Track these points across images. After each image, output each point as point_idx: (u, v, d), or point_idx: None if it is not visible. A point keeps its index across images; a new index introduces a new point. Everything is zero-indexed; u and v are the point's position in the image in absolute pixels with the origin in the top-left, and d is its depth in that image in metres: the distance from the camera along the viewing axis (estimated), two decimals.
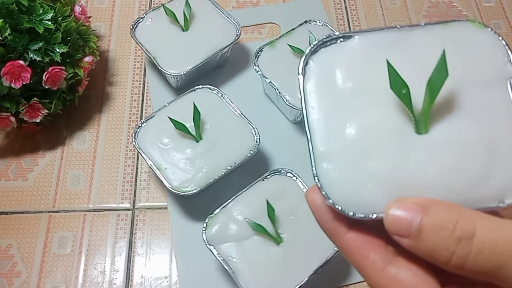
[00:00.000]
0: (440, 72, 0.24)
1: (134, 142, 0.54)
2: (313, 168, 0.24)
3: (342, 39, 0.27)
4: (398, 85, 0.24)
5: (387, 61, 0.24)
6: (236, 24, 0.62)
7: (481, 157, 0.24)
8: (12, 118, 0.56)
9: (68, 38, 0.57)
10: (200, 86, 0.58)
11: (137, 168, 0.60)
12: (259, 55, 0.61)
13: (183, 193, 0.51)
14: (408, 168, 0.24)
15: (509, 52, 0.26)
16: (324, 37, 0.27)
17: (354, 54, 0.26)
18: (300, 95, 0.26)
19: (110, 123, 0.63)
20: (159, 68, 0.59)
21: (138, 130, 0.55)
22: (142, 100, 0.65)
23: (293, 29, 0.63)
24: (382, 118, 0.25)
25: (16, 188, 0.59)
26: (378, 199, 0.24)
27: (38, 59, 0.53)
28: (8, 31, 0.51)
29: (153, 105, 0.64)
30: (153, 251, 0.55)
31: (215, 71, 0.66)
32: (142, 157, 0.54)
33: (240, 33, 0.61)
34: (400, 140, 0.25)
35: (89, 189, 0.59)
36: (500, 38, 0.26)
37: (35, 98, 0.55)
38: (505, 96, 0.25)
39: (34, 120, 0.57)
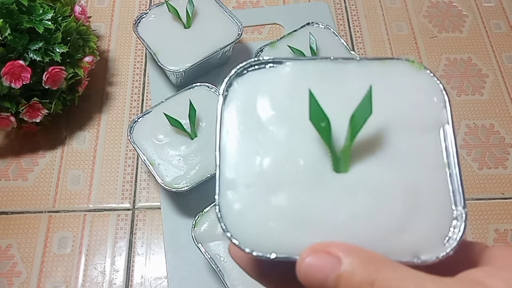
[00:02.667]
0: (364, 109, 0.23)
1: (129, 136, 0.54)
2: (216, 196, 0.23)
3: (272, 64, 0.26)
4: (317, 116, 0.23)
5: (309, 91, 0.23)
6: (238, 23, 0.62)
7: (397, 207, 0.22)
8: (12, 118, 0.56)
9: (68, 38, 0.57)
10: (198, 84, 0.58)
11: (137, 168, 0.60)
12: (259, 55, 0.61)
13: (175, 190, 0.51)
14: (318, 209, 0.22)
15: (446, 97, 0.25)
16: (253, 60, 0.26)
17: (281, 82, 0.25)
18: (216, 116, 0.24)
19: (110, 123, 0.63)
20: (159, 64, 0.59)
21: (134, 124, 0.56)
22: (142, 100, 0.65)
23: (294, 31, 0.63)
24: (300, 151, 0.23)
25: (16, 188, 0.59)
26: (280, 238, 0.22)
27: (38, 59, 0.53)
28: (8, 31, 0.51)
29: (152, 101, 0.65)
30: (153, 251, 0.55)
31: (217, 69, 0.66)
32: (137, 152, 0.54)
33: (242, 33, 0.61)
34: (314, 177, 0.23)
35: (89, 189, 0.59)
36: (438, 82, 0.25)
37: (35, 98, 0.55)
38: (435, 145, 0.24)
39: (34, 120, 0.57)
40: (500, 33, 0.72)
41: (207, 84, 0.59)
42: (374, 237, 0.22)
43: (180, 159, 0.54)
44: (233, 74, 0.25)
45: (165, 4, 0.63)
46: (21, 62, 0.52)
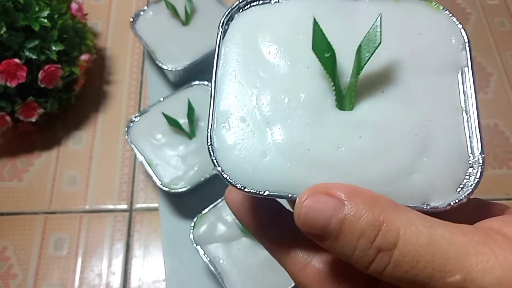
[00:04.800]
0: (372, 38, 0.21)
1: (126, 136, 0.54)
2: (208, 129, 0.22)
3: (276, 0, 0.24)
4: (321, 47, 0.21)
5: (314, 19, 0.21)
6: None
7: (407, 146, 0.20)
8: (8, 118, 0.55)
9: (65, 36, 0.56)
10: (197, 83, 0.58)
11: (134, 169, 0.59)
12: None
13: (173, 191, 0.51)
14: (318, 144, 0.21)
15: (466, 38, 0.23)
16: None
17: (285, 16, 0.24)
18: (215, 49, 0.23)
19: (107, 123, 0.62)
20: (157, 62, 0.58)
21: (131, 124, 0.55)
22: (140, 99, 0.64)
23: None
24: (301, 85, 0.22)
25: (11, 189, 0.58)
26: (274, 174, 0.20)
27: (34, 57, 0.52)
28: (4, 29, 0.50)
29: (150, 100, 0.64)
30: (150, 253, 0.54)
31: None
32: (134, 152, 0.53)
33: None
34: (315, 112, 0.21)
35: (86, 190, 0.58)
36: (457, 22, 0.23)
37: (30, 97, 0.55)
38: (452, 87, 0.22)
39: (29, 120, 0.56)
40: (504, 31, 0.71)
41: (206, 83, 0.58)
42: (380, 179, 0.20)
43: (178, 159, 0.53)
44: (234, 7, 0.24)
45: (163, 1, 0.62)
46: (16, 60, 0.51)
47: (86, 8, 0.69)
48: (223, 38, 0.24)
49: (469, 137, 0.21)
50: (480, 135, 0.21)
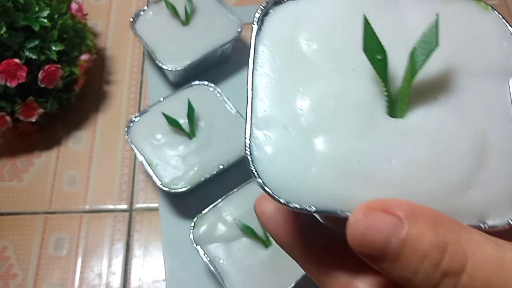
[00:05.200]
0: (429, 40, 0.19)
1: (126, 136, 0.54)
2: (246, 137, 0.20)
3: None
4: (373, 47, 0.20)
5: (364, 17, 0.20)
6: (238, 20, 0.61)
7: (464, 159, 0.19)
8: (8, 118, 0.55)
9: (65, 36, 0.56)
10: (197, 83, 0.58)
11: (134, 169, 0.59)
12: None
13: (173, 190, 0.51)
14: (369, 155, 0.19)
15: None
16: None
17: (327, 11, 0.22)
18: (250, 48, 0.21)
19: (107, 123, 0.62)
20: (157, 62, 0.58)
21: (131, 124, 0.55)
22: (140, 99, 0.64)
23: None
24: (348, 89, 0.20)
25: (11, 189, 0.58)
26: (321, 188, 0.19)
27: (34, 57, 0.52)
28: (4, 29, 0.50)
29: (150, 100, 0.64)
30: (150, 253, 0.54)
31: (216, 68, 0.65)
32: (134, 152, 0.53)
33: (241, 30, 0.60)
34: (365, 120, 0.20)
35: (86, 190, 0.58)
36: (508, 25, 0.22)
37: (30, 97, 0.55)
38: (504, 93, 0.21)
39: (29, 120, 0.56)
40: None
41: (205, 83, 0.58)
42: (436, 194, 0.18)
43: (178, 159, 0.53)
44: (271, 1, 0.22)
45: (163, 1, 0.62)
46: (16, 60, 0.51)
47: (86, 8, 0.69)
48: (258, 35, 0.22)
49: None
50: None
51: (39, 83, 0.54)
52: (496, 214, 0.18)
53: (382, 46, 0.20)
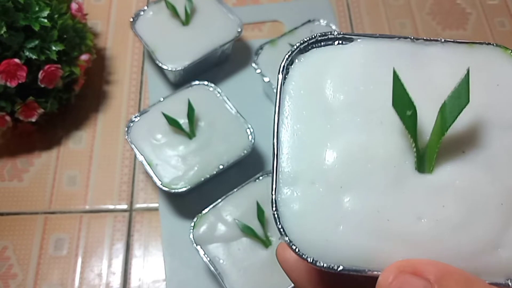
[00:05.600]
0: (460, 96, 0.19)
1: (126, 136, 0.54)
2: (273, 193, 0.19)
3: (341, 41, 0.22)
4: (403, 103, 0.19)
5: (394, 71, 0.20)
6: (238, 20, 0.61)
7: (493, 217, 0.19)
8: (8, 118, 0.55)
9: (65, 36, 0.56)
10: (197, 82, 0.58)
11: (134, 169, 0.59)
12: (259, 53, 0.60)
13: (173, 190, 0.51)
14: (398, 213, 0.19)
15: None
16: (319, 34, 0.22)
17: (353, 61, 0.22)
18: (275, 99, 0.21)
19: (107, 123, 0.62)
20: (157, 62, 0.58)
21: (131, 124, 0.55)
22: (140, 99, 0.64)
23: (295, 28, 0.62)
24: (376, 144, 0.20)
25: (11, 189, 0.58)
26: (349, 246, 0.18)
27: (34, 57, 0.52)
28: (4, 29, 0.50)
29: (150, 100, 0.64)
30: (151, 253, 0.54)
31: (216, 68, 0.65)
32: (134, 152, 0.53)
33: (241, 30, 0.60)
34: (393, 176, 0.20)
35: (86, 190, 0.58)
36: None
37: (30, 97, 0.55)
38: None
39: (29, 120, 0.56)
40: (504, 31, 0.71)
41: (205, 83, 0.58)
42: (464, 254, 0.18)
43: (178, 159, 0.53)
44: (295, 50, 0.22)
45: (163, 1, 0.62)
46: (16, 60, 0.51)
47: (86, 8, 0.69)
48: (283, 85, 0.21)
49: None
50: None
51: (39, 83, 0.54)
52: None
53: (412, 101, 0.19)
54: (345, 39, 0.22)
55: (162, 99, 0.57)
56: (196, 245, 0.48)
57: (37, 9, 0.53)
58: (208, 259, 0.48)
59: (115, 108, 0.64)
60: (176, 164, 0.52)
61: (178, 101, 0.56)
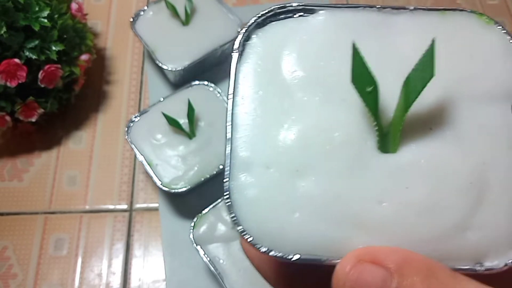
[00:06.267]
0: (424, 70, 0.18)
1: (126, 136, 0.54)
2: (226, 180, 0.18)
3: (301, 13, 0.21)
4: (362, 79, 0.18)
5: (353, 45, 0.18)
6: (238, 20, 0.61)
7: (461, 198, 0.17)
8: (8, 118, 0.55)
9: (65, 36, 0.56)
10: (197, 82, 0.58)
11: (134, 169, 0.59)
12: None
13: (173, 190, 0.51)
14: (358, 197, 0.18)
15: None
16: (277, 6, 0.20)
17: (314, 35, 0.20)
18: (230, 78, 0.20)
19: (107, 123, 0.62)
20: (157, 62, 0.58)
21: (131, 124, 0.55)
22: (140, 99, 0.64)
23: None
24: (336, 123, 0.19)
25: (11, 189, 0.58)
26: (306, 234, 0.17)
27: (34, 57, 0.52)
28: (4, 29, 0.50)
29: (150, 100, 0.64)
30: (150, 253, 0.54)
31: (216, 68, 0.65)
32: (134, 152, 0.53)
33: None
34: (354, 157, 0.18)
35: (86, 190, 0.58)
36: (511, 40, 0.20)
37: (30, 97, 0.55)
38: (507, 119, 0.19)
39: (29, 120, 0.56)
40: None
41: (205, 83, 0.58)
42: (430, 238, 0.17)
43: (178, 159, 0.53)
44: (252, 24, 0.21)
45: (163, 1, 0.62)
46: (16, 60, 0.51)
47: (86, 8, 0.69)
48: (239, 63, 0.20)
49: None
50: None
51: (39, 83, 0.54)
52: (494, 256, 0.17)
53: (372, 77, 0.18)
54: (306, 10, 0.21)
55: (162, 99, 0.57)
56: (196, 245, 0.48)
57: (37, 9, 0.53)
58: (208, 259, 0.48)
59: (115, 108, 0.64)
60: (176, 164, 0.52)
61: (178, 101, 0.56)
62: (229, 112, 0.19)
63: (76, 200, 0.57)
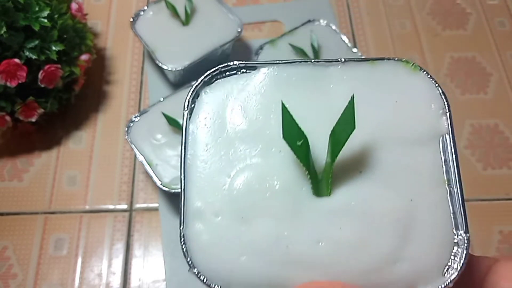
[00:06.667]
0: (346, 123, 0.19)
1: (126, 136, 0.54)
2: (181, 228, 0.20)
3: (244, 70, 0.23)
4: (292, 134, 0.20)
5: (282, 104, 0.20)
6: (238, 20, 0.61)
7: (390, 234, 0.19)
8: (8, 118, 0.55)
9: (65, 36, 0.56)
10: None
11: (134, 169, 0.59)
12: (259, 53, 0.60)
13: (173, 190, 0.51)
14: (296, 239, 0.19)
15: (445, 103, 0.21)
16: (222, 66, 0.23)
17: (255, 90, 0.22)
18: (181, 135, 0.22)
19: (107, 123, 0.62)
20: (157, 62, 0.58)
21: (131, 124, 0.55)
22: (140, 99, 0.64)
23: (295, 28, 0.63)
24: (274, 172, 0.21)
25: (11, 189, 0.58)
26: (253, 275, 0.19)
27: (34, 57, 0.52)
28: (4, 29, 0.50)
29: (150, 100, 0.64)
30: (151, 253, 0.54)
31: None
32: (134, 152, 0.53)
33: (241, 30, 0.60)
34: (291, 203, 0.20)
35: (86, 190, 0.58)
36: (436, 85, 0.22)
37: (30, 97, 0.55)
38: (433, 158, 0.21)
39: (29, 120, 0.56)
40: (504, 31, 0.71)
41: None
42: (363, 271, 0.19)
43: (178, 160, 0.53)
44: (199, 83, 0.22)
45: (163, 1, 0.62)
46: (16, 60, 0.51)
47: (86, 8, 0.69)
48: (189, 119, 0.22)
49: (453, 213, 0.20)
50: (464, 210, 0.20)
51: (39, 83, 0.54)
52: (424, 283, 0.19)
53: (301, 131, 0.20)
54: (248, 67, 0.23)
55: (162, 99, 0.57)
56: None
57: (37, 9, 0.53)
58: None
59: (115, 108, 0.64)
60: (176, 164, 0.52)
61: (178, 101, 0.56)
62: (182, 165, 0.21)
63: (76, 200, 0.57)
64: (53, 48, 0.54)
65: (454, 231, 0.20)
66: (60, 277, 0.53)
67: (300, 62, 0.22)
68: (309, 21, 0.63)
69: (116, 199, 0.57)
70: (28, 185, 0.58)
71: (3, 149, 0.60)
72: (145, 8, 0.63)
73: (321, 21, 0.63)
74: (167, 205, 0.56)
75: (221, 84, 0.23)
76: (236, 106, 0.22)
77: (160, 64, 0.58)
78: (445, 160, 0.21)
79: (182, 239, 0.20)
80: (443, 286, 0.19)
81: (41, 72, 0.53)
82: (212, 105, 0.22)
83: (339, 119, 0.20)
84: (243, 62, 0.23)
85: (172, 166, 0.52)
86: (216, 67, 0.23)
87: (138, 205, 0.57)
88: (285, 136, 0.20)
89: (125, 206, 0.57)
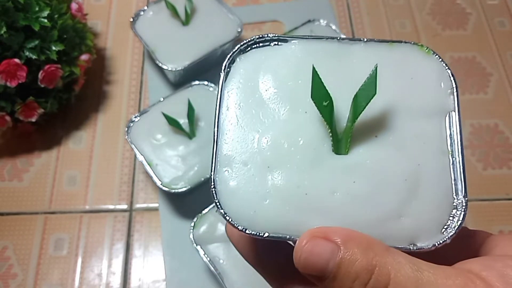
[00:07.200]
0: (368, 89, 0.22)
1: (126, 136, 0.54)
2: (212, 173, 0.23)
3: (276, 42, 0.26)
4: (320, 95, 0.23)
5: (313, 67, 0.23)
6: (238, 20, 0.61)
7: (397, 191, 0.22)
8: (8, 118, 0.55)
9: (65, 36, 0.56)
10: (197, 83, 0.58)
11: (134, 169, 0.59)
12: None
13: (173, 190, 0.51)
14: (315, 188, 0.22)
15: (454, 84, 0.24)
16: (257, 36, 0.25)
17: (285, 60, 0.25)
18: (217, 92, 0.25)
19: (107, 123, 0.62)
20: (157, 62, 0.58)
21: (131, 124, 0.55)
22: (140, 99, 0.64)
23: (295, 28, 0.63)
24: (300, 130, 0.23)
25: (11, 189, 0.58)
26: (274, 217, 0.22)
27: (34, 57, 0.52)
28: (4, 29, 0.50)
29: (150, 100, 0.64)
30: (151, 253, 0.54)
31: (216, 68, 0.65)
32: (134, 152, 0.53)
33: (241, 30, 0.60)
34: (313, 157, 0.23)
35: (86, 190, 0.58)
36: (447, 67, 0.25)
37: (30, 97, 0.55)
38: (440, 131, 0.23)
39: (29, 120, 0.56)
40: (504, 31, 0.71)
41: (206, 83, 0.58)
42: (371, 221, 0.22)
43: (178, 160, 0.53)
44: (236, 50, 0.25)
45: (163, 1, 0.62)
46: (16, 60, 0.51)
47: (86, 8, 0.69)
48: (225, 81, 0.25)
49: (454, 179, 0.22)
50: (464, 178, 0.22)
51: (39, 83, 0.54)
52: (424, 238, 0.21)
53: (328, 93, 0.23)
54: (281, 40, 0.26)
55: (162, 99, 0.57)
56: (196, 245, 0.48)
57: (37, 9, 0.53)
58: (208, 259, 0.48)
59: (115, 108, 0.63)
60: (176, 164, 0.52)
61: (178, 101, 0.56)
62: (216, 119, 0.24)
63: (76, 200, 0.57)
64: (53, 48, 0.54)
65: (454, 196, 0.22)
66: (60, 277, 0.53)
67: (327, 38, 0.25)
68: (309, 21, 0.63)
69: (116, 199, 0.57)
70: (28, 185, 0.58)
71: (3, 149, 0.60)
72: (145, 8, 0.63)
73: (321, 21, 0.63)
74: (167, 205, 0.56)
75: (255, 52, 0.25)
76: (267, 73, 0.25)
77: (160, 64, 0.58)
78: (450, 134, 0.23)
79: (212, 183, 0.22)
80: (441, 241, 0.21)
81: (41, 72, 0.53)
82: (246, 70, 0.25)
83: (362, 85, 0.23)
84: (277, 34, 0.25)
85: (172, 166, 0.52)
86: (251, 38, 0.25)
87: (138, 205, 0.57)
88: (313, 96, 0.23)
89: (125, 206, 0.57)
